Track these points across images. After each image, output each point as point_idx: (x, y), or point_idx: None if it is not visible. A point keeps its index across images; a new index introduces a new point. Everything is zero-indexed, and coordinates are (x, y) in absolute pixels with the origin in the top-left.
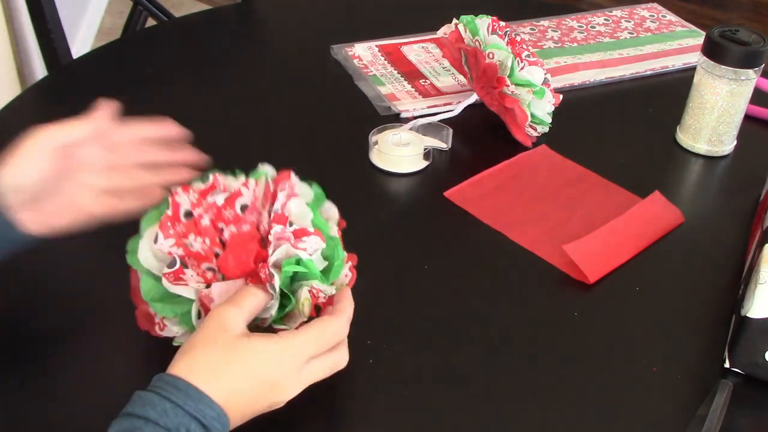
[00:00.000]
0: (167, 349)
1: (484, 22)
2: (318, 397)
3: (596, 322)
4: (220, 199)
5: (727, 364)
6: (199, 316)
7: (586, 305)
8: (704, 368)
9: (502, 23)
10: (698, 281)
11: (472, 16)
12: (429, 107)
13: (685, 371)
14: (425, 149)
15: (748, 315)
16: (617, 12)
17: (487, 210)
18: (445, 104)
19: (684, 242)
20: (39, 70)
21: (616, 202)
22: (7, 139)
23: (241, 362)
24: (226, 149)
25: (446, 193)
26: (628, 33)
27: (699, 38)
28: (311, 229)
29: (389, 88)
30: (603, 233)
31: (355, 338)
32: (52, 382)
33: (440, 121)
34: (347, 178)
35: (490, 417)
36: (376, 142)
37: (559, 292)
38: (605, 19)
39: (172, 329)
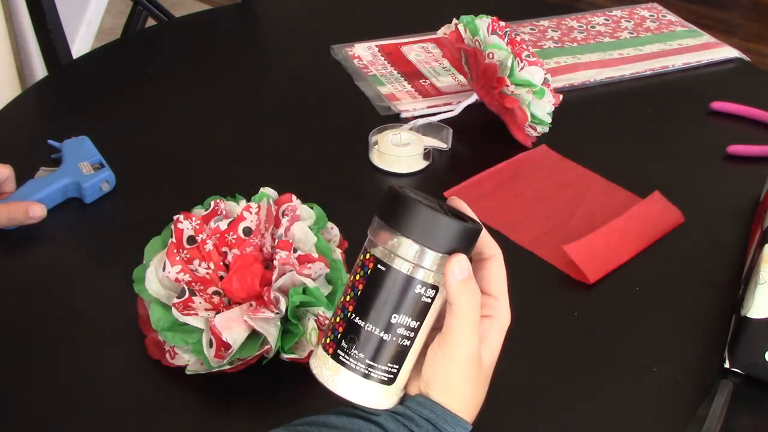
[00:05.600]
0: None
1: (484, 22)
2: (318, 396)
3: (596, 322)
4: (223, 224)
5: (727, 364)
6: (210, 345)
7: (586, 305)
8: (704, 368)
9: (502, 23)
10: (698, 281)
11: (472, 16)
12: (429, 107)
13: (685, 371)
14: (425, 149)
15: (748, 315)
16: (617, 12)
17: (487, 210)
18: (445, 104)
19: (684, 242)
20: (39, 70)
21: (616, 202)
22: (7, 139)
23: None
24: (226, 149)
25: (446, 193)
26: (628, 33)
27: (699, 38)
28: (315, 255)
29: (389, 88)
30: (603, 233)
31: None
32: (53, 382)
33: (440, 121)
34: (347, 178)
35: (489, 416)
36: (376, 142)
37: (559, 292)
38: (605, 19)
39: (183, 357)
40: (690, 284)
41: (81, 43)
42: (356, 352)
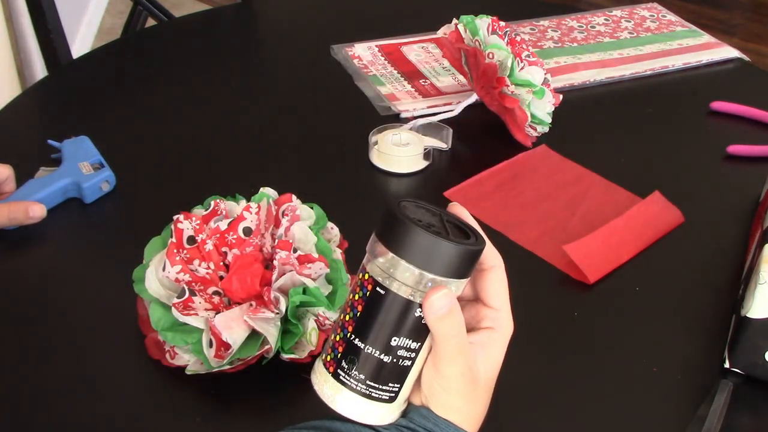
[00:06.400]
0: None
1: (484, 22)
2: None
3: (596, 322)
4: (223, 224)
5: (727, 364)
6: (210, 345)
7: (586, 305)
8: (704, 368)
9: (502, 23)
10: (698, 281)
11: (472, 16)
12: (429, 107)
13: (685, 371)
14: (425, 149)
15: (748, 315)
16: (617, 12)
17: (487, 210)
18: (445, 104)
19: (684, 242)
20: (39, 70)
21: (616, 202)
22: (7, 139)
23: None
24: (226, 149)
25: (446, 193)
26: (628, 33)
27: (699, 38)
28: (315, 255)
29: (389, 88)
30: (603, 233)
31: None
32: (54, 383)
33: (440, 121)
34: (347, 178)
35: (489, 416)
36: (376, 142)
37: (559, 292)
38: (605, 19)
39: (183, 357)
40: (690, 284)
41: (81, 43)
42: (356, 372)
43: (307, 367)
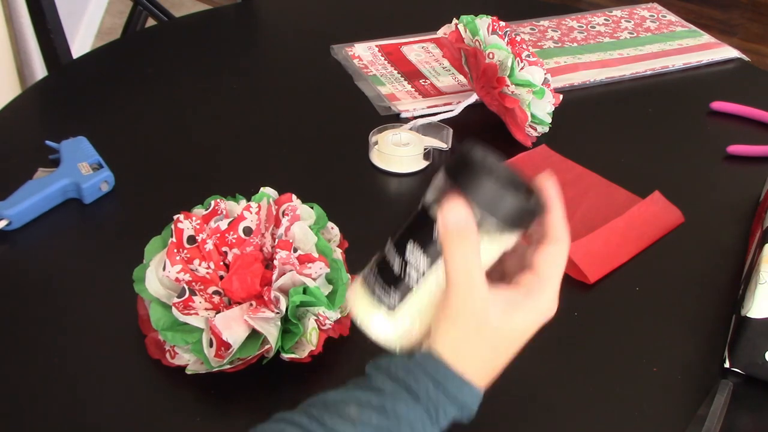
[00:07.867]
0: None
1: (484, 22)
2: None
3: (596, 322)
4: (223, 224)
5: (727, 364)
6: (210, 344)
7: (586, 305)
8: (704, 368)
9: (502, 23)
10: (698, 281)
11: (472, 16)
12: (429, 107)
13: (685, 371)
14: (425, 149)
15: (748, 315)
16: (617, 12)
17: None
18: (445, 104)
19: (684, 242)
20: (39, 70)
21: (616, 202)
22: (7, 139)
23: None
24: (226, 149)
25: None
26: (628, 33)
27: (699, 38)
28: (315, 255)
29: (389, 88)
30: (603, 233)
31: (352, 339)
32: (53, 380)
33: (440, 121)
34: (347, 178)
35: (488, 417)
36: (376, 142)
37: (559, 292)
38: (605, 19)
39: (183, 357)
40: (690, 284)
41: (81, 43)
42: (373, 264)
43: (307, 367)
